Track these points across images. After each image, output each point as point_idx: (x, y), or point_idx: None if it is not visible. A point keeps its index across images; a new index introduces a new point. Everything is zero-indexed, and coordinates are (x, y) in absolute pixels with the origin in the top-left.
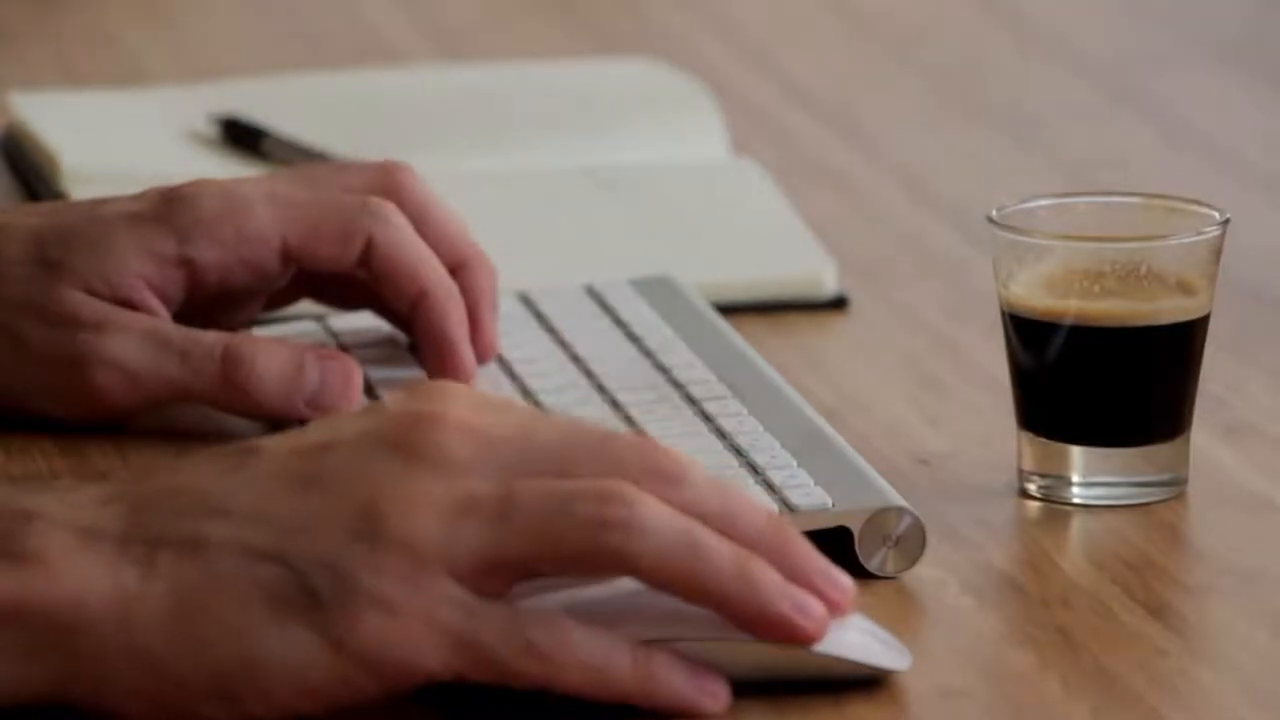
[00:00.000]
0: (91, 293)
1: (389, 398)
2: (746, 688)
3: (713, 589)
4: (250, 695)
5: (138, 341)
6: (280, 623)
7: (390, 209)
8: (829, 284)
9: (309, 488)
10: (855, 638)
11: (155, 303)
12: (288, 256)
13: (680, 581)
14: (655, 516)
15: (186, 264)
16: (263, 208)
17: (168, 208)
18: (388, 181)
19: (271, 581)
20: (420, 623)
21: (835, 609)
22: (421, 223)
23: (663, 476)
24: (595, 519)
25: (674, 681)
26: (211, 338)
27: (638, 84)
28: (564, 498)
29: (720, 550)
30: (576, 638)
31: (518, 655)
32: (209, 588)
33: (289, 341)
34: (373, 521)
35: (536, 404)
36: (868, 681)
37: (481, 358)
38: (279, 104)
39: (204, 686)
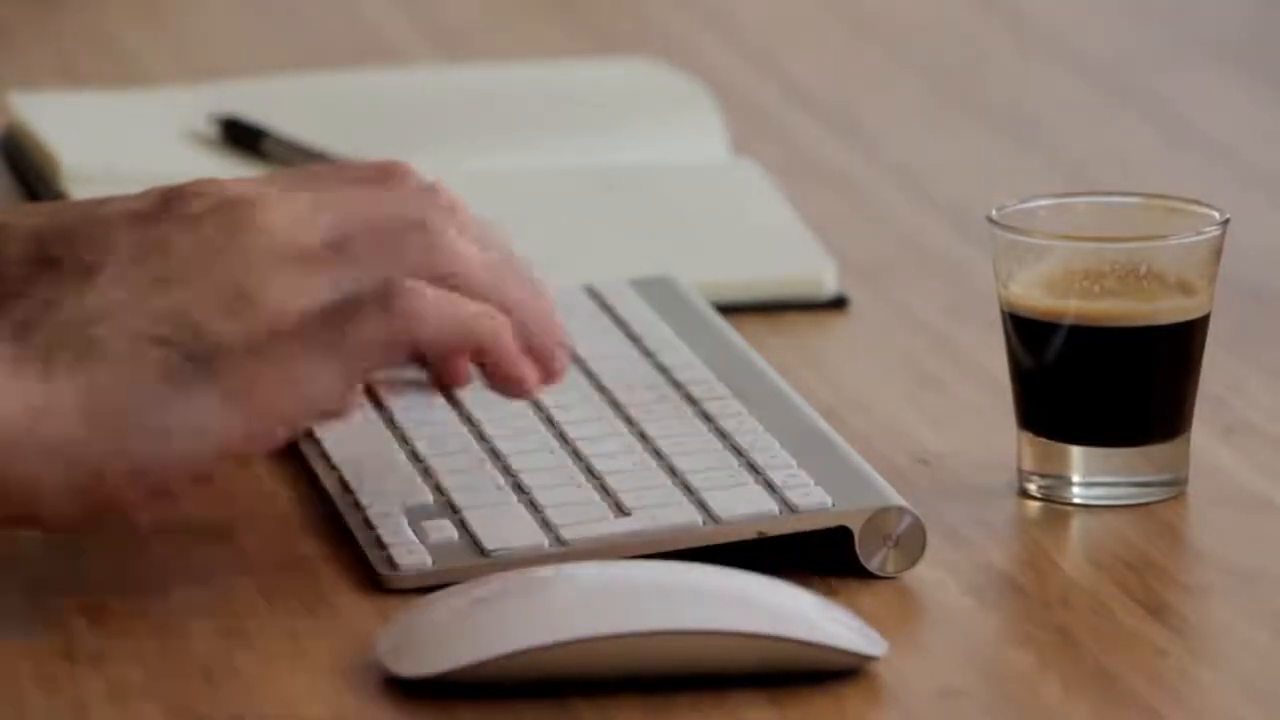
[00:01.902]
0: None
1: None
2: (748, 686)
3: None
4: (165, 467)
5: None
6: (180, 391)
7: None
8: (829, 284)
9: (169, 285)
10: (834, 628)
11: None
12: None
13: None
14: (432, 305)
15: None
16: None
17: (167, 208)
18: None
19: (164, 359)
20: (302, 357)
21: (552, 378)
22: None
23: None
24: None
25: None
26: None
27: (638, 84)
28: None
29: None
30: (432, 294)
31: (388, 325)
32: (110, 376)
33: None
34: (234, 294)
35: (535, 404)
36: (866, 681)
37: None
38: (279, 104)
39: (122, 471)
